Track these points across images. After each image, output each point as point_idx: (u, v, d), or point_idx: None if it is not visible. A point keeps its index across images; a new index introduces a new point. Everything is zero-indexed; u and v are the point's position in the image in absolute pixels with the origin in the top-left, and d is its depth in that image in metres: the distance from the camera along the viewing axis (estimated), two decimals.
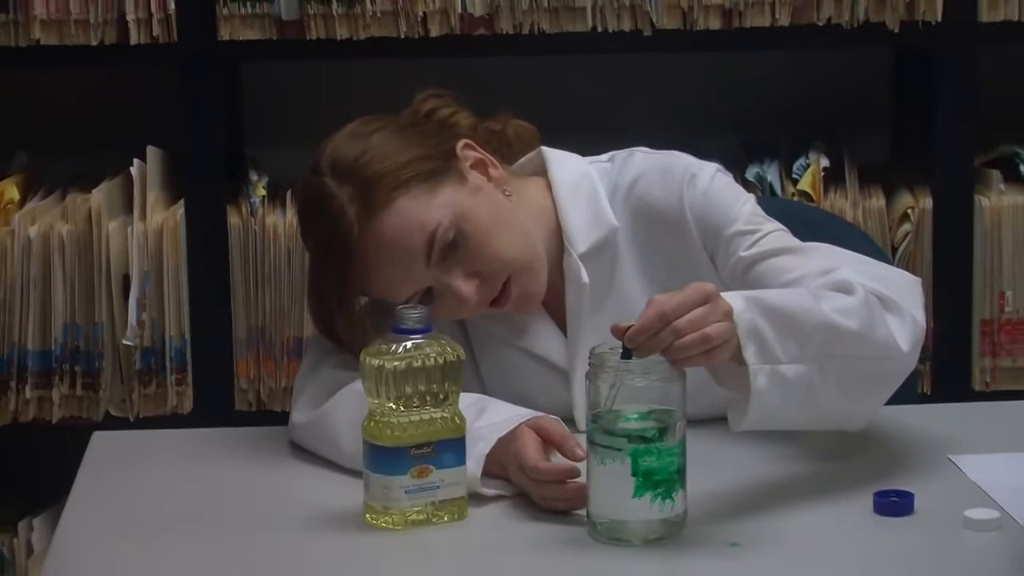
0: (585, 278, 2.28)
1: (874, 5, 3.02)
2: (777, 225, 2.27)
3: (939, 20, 3.02)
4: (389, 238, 2.18)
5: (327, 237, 2.19)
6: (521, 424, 2.09)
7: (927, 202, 3.08)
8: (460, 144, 2.25)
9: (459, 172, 2.23)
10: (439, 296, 2.21)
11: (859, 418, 2.16)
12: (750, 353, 1.99)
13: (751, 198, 2.29)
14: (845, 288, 2.11)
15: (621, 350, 1.93)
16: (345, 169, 2.19)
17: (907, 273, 2.27)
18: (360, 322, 2.21)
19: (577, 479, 2.01)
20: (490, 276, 2.22)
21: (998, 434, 2.17)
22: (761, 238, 2.24)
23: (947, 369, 3.08)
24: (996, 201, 3.09)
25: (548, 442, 2.07)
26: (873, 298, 2.11)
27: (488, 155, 2.28)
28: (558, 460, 2.06)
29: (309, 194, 2.23)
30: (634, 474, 1.93)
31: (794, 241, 2.26)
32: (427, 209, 2.19)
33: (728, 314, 1.97)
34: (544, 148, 2.36)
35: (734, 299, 1.99)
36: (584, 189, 2.31)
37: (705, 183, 2.27)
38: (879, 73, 3.37)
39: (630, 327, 1.93)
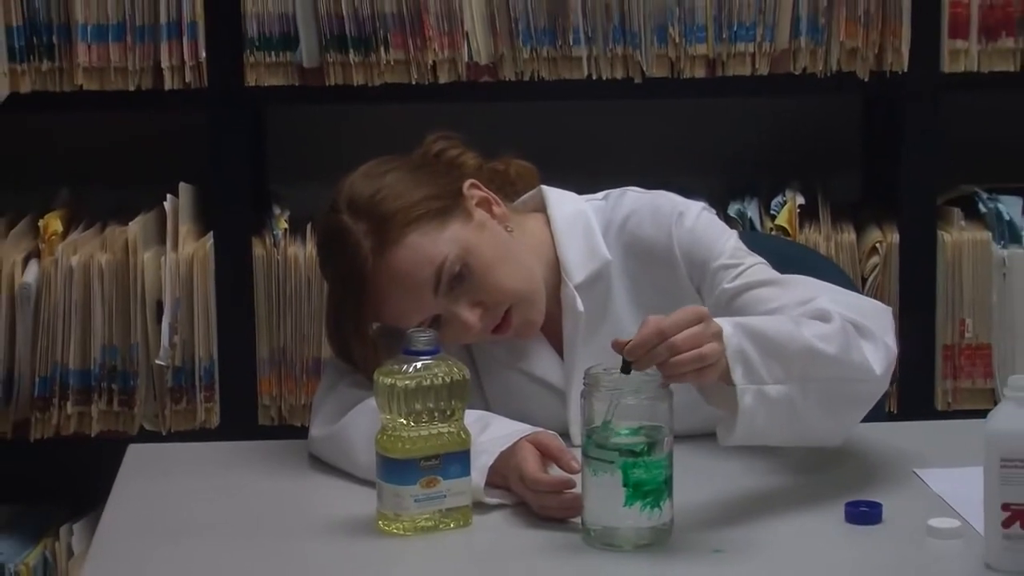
0: (580, 307, 2.28)
1: (846, 56, 3.03)
2: (758, 259, 2.27)
3: (905, 70, 3.03)
4: (401, 270, 2.18)
5: (344, 269, 2.19)
6: (522, 439, 2.09)
7: (894, 237, 3.08)
8: (467, 184, 2.26)
9: (466, 209, 2.23)
10: (446, 323, 2.20)
11: (836, 436, 2.16)
12: (737, 374, 1.98)
13: (734, 234, 2.29)
14: (823, 316, 2.11)
15: (621, 364, 1.93)
16: (361, 207, 2.19)
17: (879, 302, 2.26)
18: (373, 346, 2.21)
19: (572, 490, 2.01)
20: (493, 306, 2.22)
21: (959, 450, 2.17)
22: (744, 271, 2.24)
23: (912, 390, 3.08)
24: (957, 236, 3.09)
25: (547, 455, 2.07)
26: (849, 325, 2.11)
27: (492, 193, 2.28)
28: (555, 472, 2.06)
29: (328, 229, 2.23)
30: (625, 485, 1.93)
31: (774, 273, 2.25)
32: (436, 244, 2.19)
33: (719, 335, 1.97)
34: (544, 187, 2.36)
35: (723, 323, 1.99)
36: (580, 225, 2.31)
37: (692, 221, 2.27)
38: (850, 119, 3.37)
39: (629, 342, 1.93)
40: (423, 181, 2.22)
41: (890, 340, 2.17)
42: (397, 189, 2.20)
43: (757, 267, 2.25)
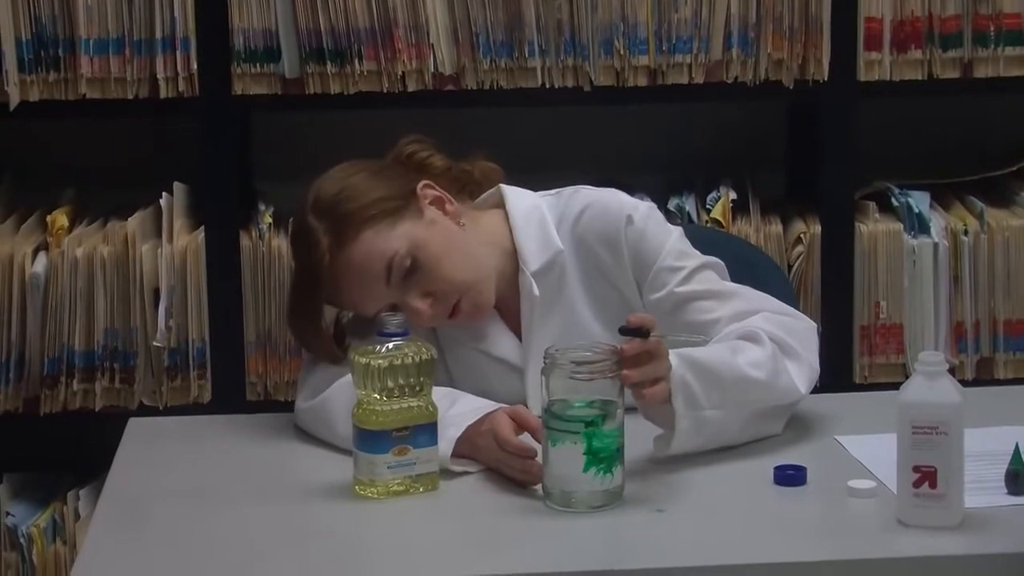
0: (536, 291, 2.28)
1: (772, 67, 3.03)
2: (698, 260, 2.28)
3: (826, 79, 3.03)
4: (355, 265, 2.19)
5: (306, 262, 2.21)
6: (499, 409, 2.10)
7: (816, 228, 3.09)
8: (420, 184, 2.26)
9: (418, 208, 2.24)
10: (401, 311, 2.20)
11: (754, 439, 2.17)
12: (679, 402, 2.03)
13: (679, 232, 2.30)
14: (754, 338, 2.15)
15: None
16: (324, 207, 2.21)
17: (807, 320, 2.29)
18: (326, 335, 2.24)
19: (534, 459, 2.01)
20: (442, 296, 2.22)
21: (874, 418, 2.18)
22: (687, 276, 2.25)
23: (833, 365, 3.07)
24: (872, 227, 3.10)
25: (523, 427, 2.08)
26: (778, 350, 2.15)
27: (445, 192, 2.28)
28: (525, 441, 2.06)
29: (296, 227, 2.26)
30: (585, 452, 1.92)
31: (715, 282, 2.27)
32: (387, 240, 2.19)
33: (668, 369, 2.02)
34: (502, 185, 2.37)
35: (671, 357, 2.03)
36: (535, 218, 2.31)
37: (639, 219, 2.28)
38: (777, 122, 3.37)
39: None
40: (382, 184, 2.23)
41: (814, 359, 2.22)
42: (357, 191, 2.21)
43: (697, 272, 2.27)
